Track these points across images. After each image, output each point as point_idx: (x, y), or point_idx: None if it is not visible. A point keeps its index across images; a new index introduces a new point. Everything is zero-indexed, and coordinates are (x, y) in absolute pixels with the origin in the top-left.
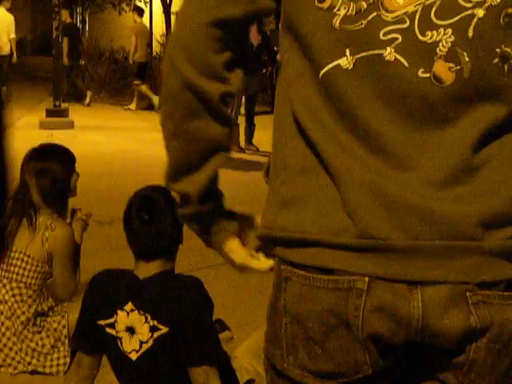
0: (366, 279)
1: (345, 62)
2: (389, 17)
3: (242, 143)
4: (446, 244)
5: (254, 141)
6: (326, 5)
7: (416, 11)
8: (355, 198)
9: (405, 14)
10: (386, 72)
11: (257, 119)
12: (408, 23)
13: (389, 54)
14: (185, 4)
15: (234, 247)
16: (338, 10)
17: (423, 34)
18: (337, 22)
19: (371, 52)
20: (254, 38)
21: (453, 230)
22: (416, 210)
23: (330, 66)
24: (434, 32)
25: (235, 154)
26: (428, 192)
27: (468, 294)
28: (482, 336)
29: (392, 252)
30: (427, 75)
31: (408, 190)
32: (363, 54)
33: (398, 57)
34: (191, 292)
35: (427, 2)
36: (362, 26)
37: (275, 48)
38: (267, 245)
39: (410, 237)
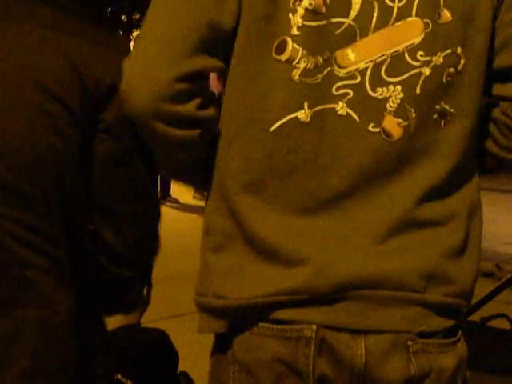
0: (314, 327)
1: (302, 114)
2: (341, 72)
3: None
4: (389, 294)
5: None
6: (284, 57)
7: (367, 68)
8: (297, 250)
9: (356, 70)
10: (339, 126)
11: None
12: (359, 79)
13: (341, 108)
14: (142, 57)
15: None
16: (298, 62)
17: (374, 90)
18: (296, 74)
19: (326, 106)
20: (215, 86)
21: (396, 281)
22: (359, 262)
23: (288, 118)
24: (385, 88)
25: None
26: (371, 245)
27: (409, 342)
28: (421, 383)
29: (337, 302)
30: (377, 130)
31: (351, 242)
32: (319, 107)
33: (350, 111)
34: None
35: (378, 60)
36: (318, 80)
37: None
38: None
39: (354, 287)
